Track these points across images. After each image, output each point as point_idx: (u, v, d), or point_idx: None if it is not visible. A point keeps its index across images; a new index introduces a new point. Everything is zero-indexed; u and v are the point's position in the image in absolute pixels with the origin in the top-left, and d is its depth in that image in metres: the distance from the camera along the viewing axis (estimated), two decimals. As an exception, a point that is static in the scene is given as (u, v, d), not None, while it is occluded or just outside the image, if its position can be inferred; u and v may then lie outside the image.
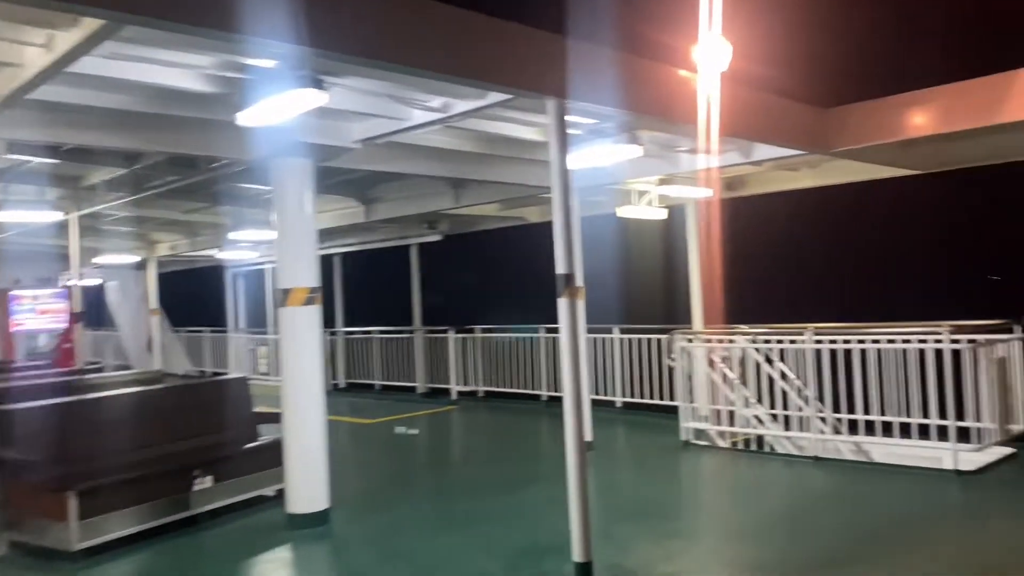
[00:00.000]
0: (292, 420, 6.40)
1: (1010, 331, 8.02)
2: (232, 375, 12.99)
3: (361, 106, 5.73)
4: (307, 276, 6.32)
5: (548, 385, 12.41)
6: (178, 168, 8.44)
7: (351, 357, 16.27)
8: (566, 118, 6.41)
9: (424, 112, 5.80)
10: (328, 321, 16.42)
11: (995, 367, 7.45)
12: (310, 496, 6.38)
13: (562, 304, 5.07)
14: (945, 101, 6.68)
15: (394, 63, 4.34)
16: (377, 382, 15.46)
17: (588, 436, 8.84)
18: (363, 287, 17.39)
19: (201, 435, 6.97)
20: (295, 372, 6.37)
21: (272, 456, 6.72)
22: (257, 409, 7.67)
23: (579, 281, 8.95)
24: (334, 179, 9.86)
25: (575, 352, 5.05)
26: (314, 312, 6.35)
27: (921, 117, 6.82)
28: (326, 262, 15.91)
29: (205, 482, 6.56)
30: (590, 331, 11.74)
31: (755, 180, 9.94)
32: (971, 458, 7.25)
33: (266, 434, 7.35)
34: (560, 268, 5.05)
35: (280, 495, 6.60)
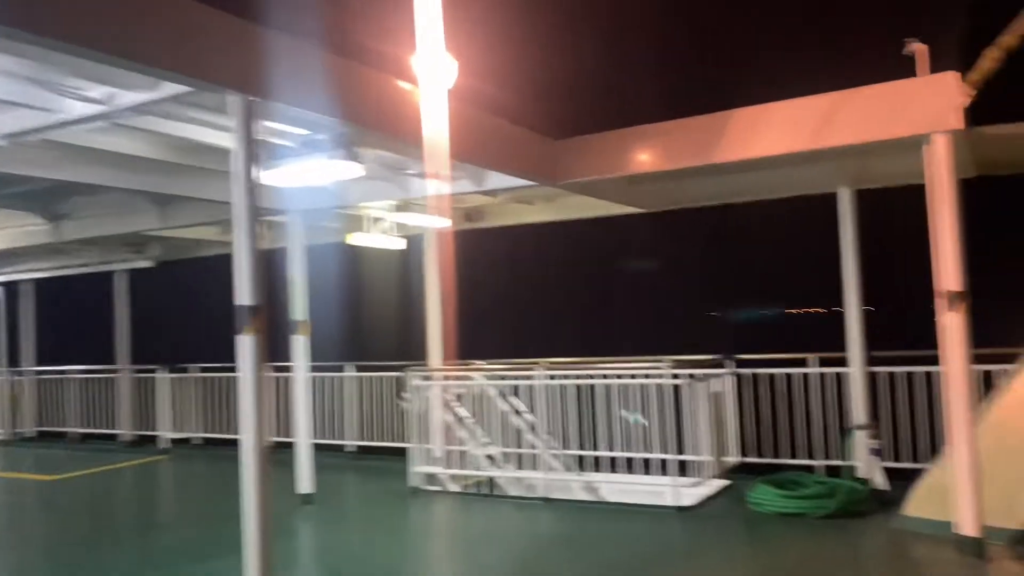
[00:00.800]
0: None
1: (722, 366, 8.34)
2: None
3: (-3, 90, 4.55)
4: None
5: (274, 430, 11.29)
6: None
7: (43, 401, 13.93)
8: (270, 124, 5.69)
9: (83, 104, 4.73)
10: (11, 359, 14.04)
11: (711, 401, 7.64)
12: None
13: (244, 342, 4.24)
14: (665, 138, 6.76)
15: (11, 26, 3.33)
16: (74, 429, 13.30)
17: (308, 487, 7.97)
18: (59, 320, 15.08)
19: None
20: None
21: None
22: None
23: (302, 315, 8.13)
24: (7, 189, 8.24)
25: (259, 395, 4.24)
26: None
27: (642, 153, 6.85)
28: (10, 290, 13.58)
29: None
30: (320, 369, 10.90)
31: (493, 212, 9.70)
32: (691, 492, 7.32)
33: None
34: (243, 298, 4.23)
35: None
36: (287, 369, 8.48)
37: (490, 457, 8.46)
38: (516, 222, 9.82)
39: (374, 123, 5.38)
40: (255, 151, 4.34)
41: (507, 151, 6.70)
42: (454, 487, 8.40)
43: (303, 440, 8.05)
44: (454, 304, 9.82)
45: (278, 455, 10.58)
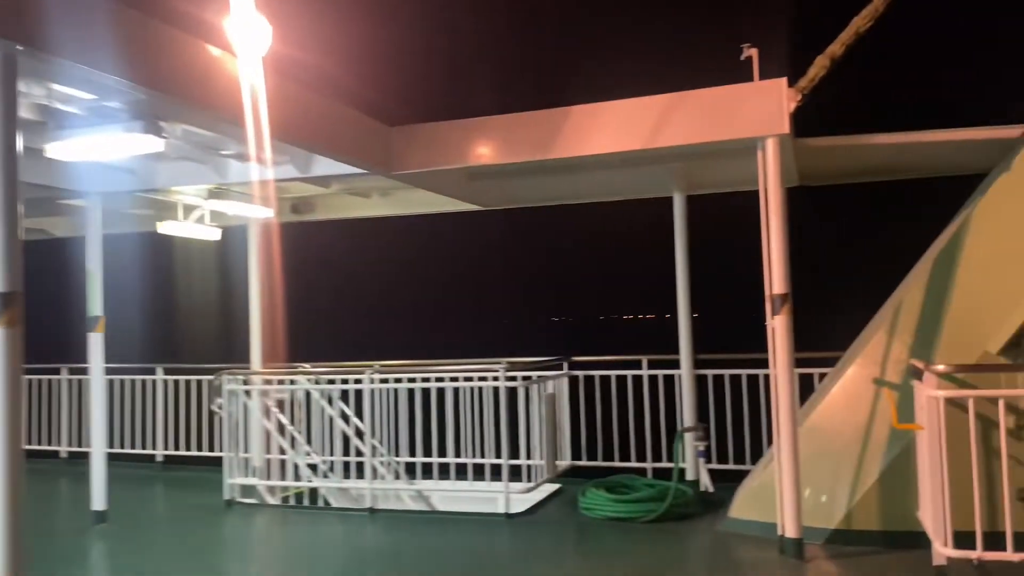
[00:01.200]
0: None
1: (560, 368, 8.20)
2: None
3: None
4: None
5: (69, 439, 10.15)
6: None
7: None
8: (56, 87, 4.92)
9: None
10: None
11: (546, 404, 7.46)
12: None
13: (-4, 335, 3.54)
14: (503, 131, 6.50)
15: None
16: None
17: (101, 503, 7.06)
18: None
19: None
20: None
21: None
22: None
23: (99, 311, 7.21)
24: None
25: (14, 398, 3.54)
26: None
27: (478, 146, 6.55)
28: None
29: None
30: (128, 372, 9.90)
31: (324, 204, 9.08)
32: (523, 498, 7.10)
33: None
34: (-6, 283, 3.53)
35: None
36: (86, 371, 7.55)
37: (313, 467, 7.89)
38: (349, 216, 9.26)
39: (177, 91, 4.73)
40: (16, 111, 3.63)
41: (335, 133, 6.19)
42: (273, 499, 7.75)
43: (98, 450, 7.11)
44: (280, 302, 9.14)
45: (78, 467, 9.54)
